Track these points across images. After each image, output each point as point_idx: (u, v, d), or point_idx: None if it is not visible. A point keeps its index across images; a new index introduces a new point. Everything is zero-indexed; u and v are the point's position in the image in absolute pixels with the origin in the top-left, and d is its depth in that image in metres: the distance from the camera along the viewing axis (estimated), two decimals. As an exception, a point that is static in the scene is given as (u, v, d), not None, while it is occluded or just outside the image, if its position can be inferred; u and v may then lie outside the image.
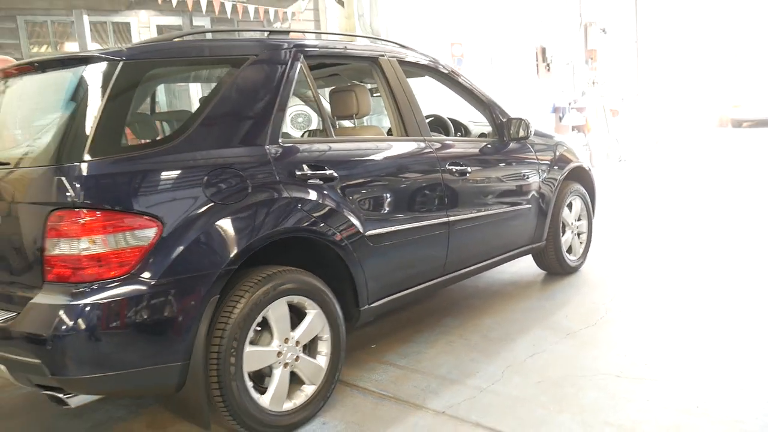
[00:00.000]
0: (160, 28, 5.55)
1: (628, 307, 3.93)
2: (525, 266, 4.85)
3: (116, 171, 2.25)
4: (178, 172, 2.39)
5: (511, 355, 3.31)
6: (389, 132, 3.60)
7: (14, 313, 2.31)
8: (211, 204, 2.39)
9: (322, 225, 2.73)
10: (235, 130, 2.60)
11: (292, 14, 6.53)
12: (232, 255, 2.40)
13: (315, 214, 2.71)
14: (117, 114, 2.33)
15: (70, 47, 4.97)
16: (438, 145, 3.46)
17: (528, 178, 4.10)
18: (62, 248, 2.16)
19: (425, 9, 8.24)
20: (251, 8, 6.06)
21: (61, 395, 2.22)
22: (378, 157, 3.15)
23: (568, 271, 4.61)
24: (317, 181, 2.77)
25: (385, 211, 3.09)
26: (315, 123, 6.00)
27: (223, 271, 2.39)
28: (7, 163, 2.40)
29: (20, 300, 2.30)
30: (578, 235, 4.70)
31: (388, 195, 3.12)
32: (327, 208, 2.77)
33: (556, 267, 4.55)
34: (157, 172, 2.33)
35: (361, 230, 2.91)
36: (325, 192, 2.79)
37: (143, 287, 2.22)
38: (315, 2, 6.93)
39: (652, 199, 7.89)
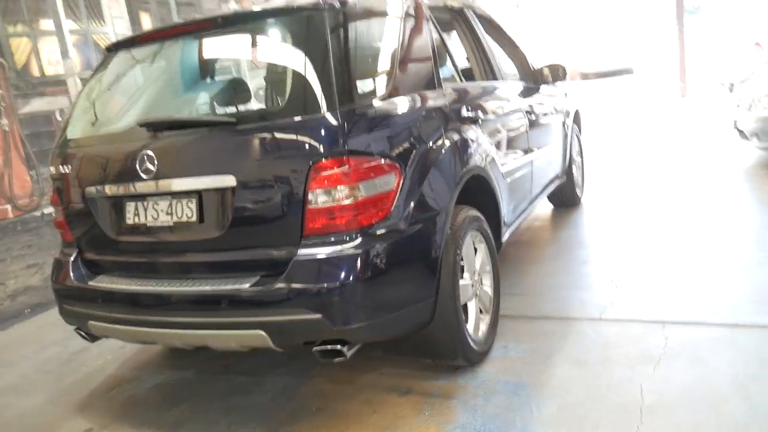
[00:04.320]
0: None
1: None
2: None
3: (364, 118, 2.26)
4: (403, 116, 2.45)
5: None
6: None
7: (258, 276, 2.26)
8: (428, 145, 2.48)
9: (486, 164, 2.91)
10: (419, 73, 2.68)
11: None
12: (456, 192, 2.54)
13: (483, 154, 2.89)
14: (349, 61, 2.29)
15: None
16: (519, 89, 3.78)
17: (557, 119, 4.52)
18: (325, 199, 2.15)
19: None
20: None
21: (339, 347, 2.21)
22: (499, 99, 3.42)
23: (577, 202, 5.17)
24: (472, 124, 2.94)
25: (511, 148, 3.38)
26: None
27: (452, 207, 2.51)
28: (235, 122, 2.30)
29: (269, 262, 2.25)
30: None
31: (509, 135, 3.41)
32: (487, 148, 2.96)
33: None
34: (391, 118, 2.39)
35: (501, 168, 3.13)
36: (480, 132, 2.96)
37: (399, 230, 2.29)
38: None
39: None
